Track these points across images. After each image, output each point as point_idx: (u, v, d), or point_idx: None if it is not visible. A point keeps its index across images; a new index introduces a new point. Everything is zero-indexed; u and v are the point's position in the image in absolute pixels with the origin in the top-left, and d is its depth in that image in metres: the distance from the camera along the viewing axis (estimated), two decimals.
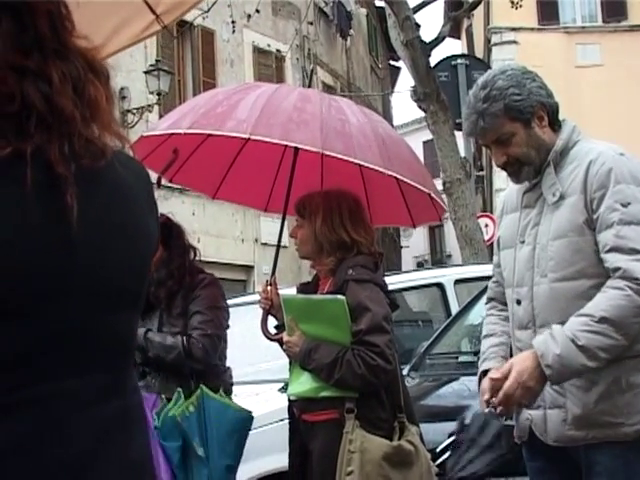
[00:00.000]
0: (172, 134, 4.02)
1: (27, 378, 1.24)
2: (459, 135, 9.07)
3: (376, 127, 4.05)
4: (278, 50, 19.19)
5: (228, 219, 17.11)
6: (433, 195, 4.02)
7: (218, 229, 16.76)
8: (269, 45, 19.51)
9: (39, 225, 1.24)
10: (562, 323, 2.65)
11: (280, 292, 3.76)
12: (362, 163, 3.76)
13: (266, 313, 3.95)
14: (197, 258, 4.21)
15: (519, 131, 2.83)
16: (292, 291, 3.89)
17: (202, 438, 3.85)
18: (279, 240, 4.18)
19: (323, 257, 3.55)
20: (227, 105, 3.90)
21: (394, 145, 4.05)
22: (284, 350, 3.54)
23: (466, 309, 5.29)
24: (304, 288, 3.72)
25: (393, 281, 6.97)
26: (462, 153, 10.80)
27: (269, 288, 3.88)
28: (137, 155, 4.22)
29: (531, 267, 2.81)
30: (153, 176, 5.20)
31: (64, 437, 1.27)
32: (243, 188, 4.63)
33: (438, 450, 4.12)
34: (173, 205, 15.60)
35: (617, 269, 2.59)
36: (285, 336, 3.51)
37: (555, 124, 2.88)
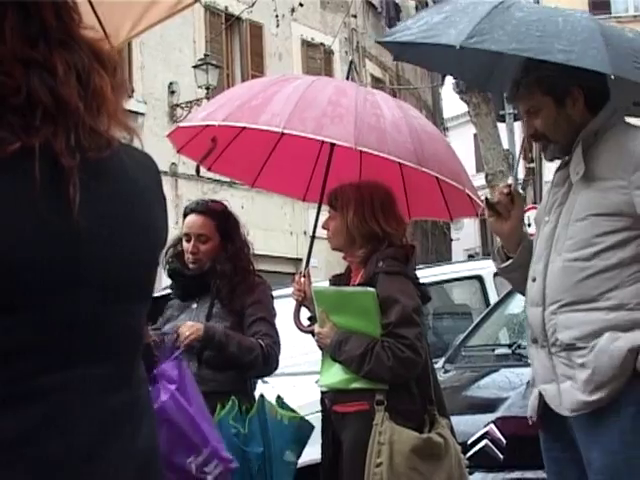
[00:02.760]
0: (207, 125, 4.08)
1: (35, 369, 1.25)
2: (502, 127, 8.99)
3: (412, 122, 4.04)
4: (322, 43, 19.17)
5: (277, 212, 17.15)
6: (468, 192, 4.02)
7: (267, 222, 16.80)
8: (316, 38, 19.50)
9: (46, 218, 1.25)
10: (570, 303, 2.69)
11: (313, 284, 3.78)
12: (395, 159, 3.76)
13: (299, 305, 3.96)
14: (251, 252, 4.12)
15: (549, 106, 2.85)
16: (325, 283, 3.92)
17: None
18: (314, 232, 4.20)
19: (355, 249, 3.55)
20: (262, 98, 3.92)
21: (430, 141, 4.04)
22: (315, 341, 3.56)
23: (503, 301, 5.28)
24: (337, 279, 3.73)
25: (433, 273, 6.99)
26: (505, 145, 10.69)
27: (302, 280, 3.91)
28: (175, 144, 4.30)
29: (550, 245, 2.84)
30: (192, 164, 5.26)
31: (72, 427, 1.28)
32: (282, 177, 4.61)
33: (470, 442, 4.11)
34: (222, 198, 15.66)
35: None
36: (316, 327, 3.53)
37: (595, 106, 2.87)
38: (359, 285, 3.47)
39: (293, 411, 3.85)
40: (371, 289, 3.34)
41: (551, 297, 2.78)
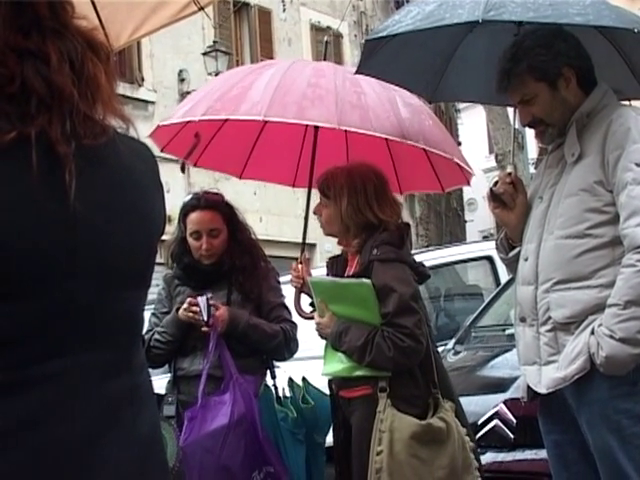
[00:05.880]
0: (189, 122, 4.05)
1: (33, 356, 1.27)
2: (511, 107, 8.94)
3: (393, 97, 4.03)
4: (329, 27, 19.11)
5: (289, 197, 17.07)
6: (457, 160, 4.01)
7: (280, 208, 16.80)
8: (325, 22, 19.44)
9: (43, 205, 1.26)
10: (563, 281, 2.71)
11: (313, 274, 3.77)
12: (379, 135, 3.75)
13: (299, 292, 3.99)
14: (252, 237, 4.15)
15: (543, 91, 2.85)
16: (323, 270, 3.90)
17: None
18: (306, 217, 4.19)
19: (350, 238, 3.52)
20: (241, 87, 3.91)
21: (414, 113, 4.03)
22: (316, 331, 3.56)
23: (512, 282, 5.26)
24: (333, 262, 3.71)
25: (443, 255, 6.99)
26: (514, 125, 10.64)
27: (300, 266, 3.91)
28: (157, 143, 4.28)
29: (542, 224, 2.85)
30: (176, 163, 5.24)
31: (72, 413, 1.30)
32: (269, 165, 4.60)
33: (480, 422, 4.12)
34: (234, 185, 15.61)
35: (625, 237, 2.62)
36: (316, 317, 3.53)
37: (587, 86, 2.89)
38: (355, 274, 3.45)
39: (320, 391, 3.89)
40: (366, 280, 3.32)
41: (544, 275, 2.79)
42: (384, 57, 3.63)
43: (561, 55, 2.83)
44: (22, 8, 1.31)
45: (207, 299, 3.74)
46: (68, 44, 1.34)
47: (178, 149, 4.37)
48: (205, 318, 3.71)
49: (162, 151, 4.40)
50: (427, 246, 18.18)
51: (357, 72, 3.79)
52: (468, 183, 4.50)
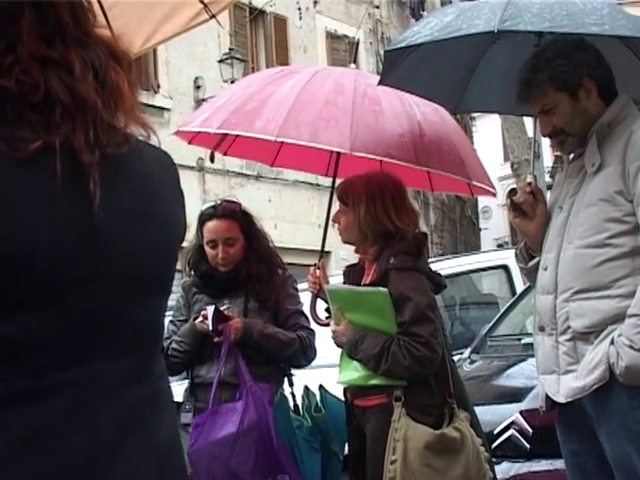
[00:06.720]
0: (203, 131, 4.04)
1: (55, 363, 1.27)
2: (527, 117, 8.94)
3: (414, 115, 4.02)
4: (345, 35, 19.14)
5: (304, 205, 17.17)
6: (475, 183, 4.00)
7: (294, 215, 16.83)
8: (340, 30, 19.47)
9: (67, 214, 1.26)
10: (583, 290, 2.70)
11: (330, 282, 3.77)
12: (390, 161, 3.73)
13: (315, 297, 3.99)
14: (272, 243, 4.16)
15: (564, 101, 2.85)
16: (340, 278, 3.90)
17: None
18: (326, 222, 4.19)
19: (367, 245, 3.53)
20: (258, 100, 3.88)
21: (432, 130, 4.01)
22: (332, 339, 3.56)
23: (529, 290, 5.25)
24: (350, 271, 3.72)
25: (459, 263, 6.99)
26: (530, 134, 10.65)
27: (317, 272, 3.91)
28: (183, 138, 4.30)
29: (562, 234, 2.85)
30: (219, 159, 5.26)
31: (93, 420, 1.30)
32: (302, 154, 4.53)
33: (495, 432, 4.11)
34: (249, 192, 15.73)
35: None
36: (332, 325, 3.54)
37: (608, 96, 2.88)
38: (372, 283, 3.45)
39: (338, 399, 3.88)
40: (383, 289, 3.32)
41: (563, 284, 2.79)
42: (407, 68, 3.65)
43: (581, 65, 2.83)
44: (45, 17, 1.32)
45: (215, 309, 3.75)
46: (91, 53, 1.34)
47: (206, 141, 4.36)
48: (211, 327, 3.72)
49: (190, 143, 4.43)
50: (441, 254, 18.17)
51: (380, 83, 3.80)
52: (494, 195, 4.52)
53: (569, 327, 2.78)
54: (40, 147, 1.25)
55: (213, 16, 3.36)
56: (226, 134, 4.13)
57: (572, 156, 2.95)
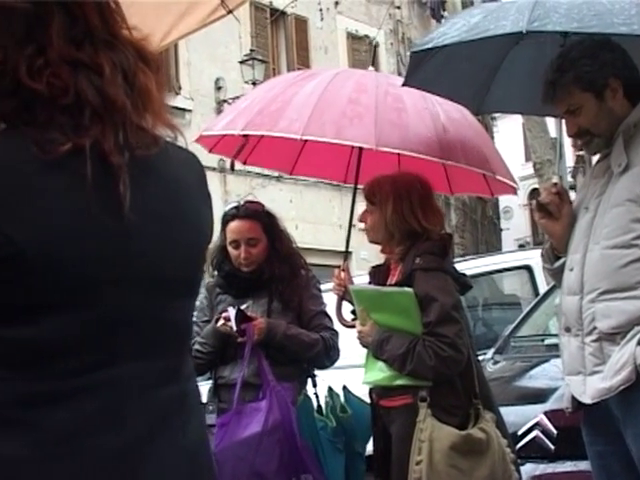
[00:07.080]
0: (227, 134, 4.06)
1: (84, 365, 1.29)
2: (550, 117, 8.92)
3: (437, 112, 4.02)
4: (367, 36, 19.13)
5: (325, 205, 17.17)
6: (499, 177, 3.99)
7: (315, 216, 16.83)
8: (361, 31, 19.47)
9: (97, 216, 1.27)
10: (609, 291, 2.69)
11: (355, 282, 3.76)
12: (417, 155, 3.73)
13: (340, 299, 3.99)
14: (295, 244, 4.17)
15: (589, 102, 2.84)
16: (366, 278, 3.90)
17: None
18: (350, 224, 4.18)
19: (393, 245, 3.54)
20: (281, 101, 3.90)
21: (456, 128, 4.01)
22: (357, 339, 3.56)
23: (552, 291, 5.23)
24: (376, 271, 3.72)
25: (482, 264, 6.97)
26: (552, 134, 10.62)
27: (342, 274, 3.91)
28: (205, 145, 4.33)
29: (588, 234, 2.83)
30: (214, 171, 5.31)
31: (124, 420, 1.31)
32: (321, 161, 4.57)
33: (520, 433, 4.09)
34: (270, 193, 15.76)
35: None
36: (358, 326, 3.54)
37: (634, 96, 2.86)
38: (397, 283, 3.45)
39: (361, 400, 3.88)
40: (409, 289, 3.32)
41: (589, 285, 2.78)
42: (431, 69, 3.65)
43: (607, 66, 2.82)
44: (75, 20, 1.33)
45: (238, 309, 3.76)
46: (120, 55, 1.35)
47: (226, 149, 4.39)
48: (235, 328, 3.72)
49: (210, 152, 4.45)
50: (463, 254, 18.10)
51: (404, 84, 3.80)
52: (515, 193, 4.50)
53: (595, 328, 2.76)
54: (70, 149, 1.26)
55: (230, 11, 3.34)
56: (247, 141, 4.15)
57: (598, 157, 2.94)
